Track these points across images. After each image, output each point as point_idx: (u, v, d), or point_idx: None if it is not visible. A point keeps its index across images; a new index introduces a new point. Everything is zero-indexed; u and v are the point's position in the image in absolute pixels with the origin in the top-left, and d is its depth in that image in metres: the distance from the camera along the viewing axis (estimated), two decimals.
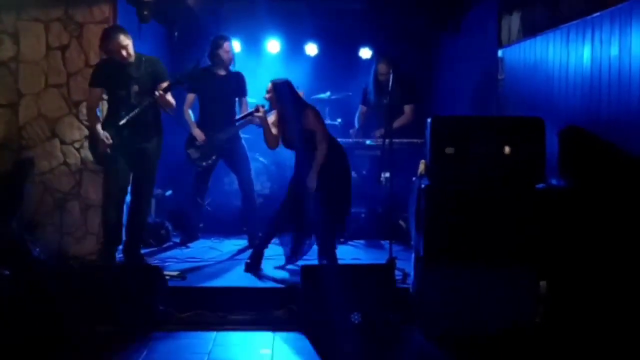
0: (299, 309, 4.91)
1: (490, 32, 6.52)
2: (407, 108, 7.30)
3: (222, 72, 6.75)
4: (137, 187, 5.84)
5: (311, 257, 5.90)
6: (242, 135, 6.89)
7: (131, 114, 5.53)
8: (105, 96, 5.81)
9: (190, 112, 6.81)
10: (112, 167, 5.68)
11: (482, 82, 6.89)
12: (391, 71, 6.63)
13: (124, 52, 5.49)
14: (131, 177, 5.80)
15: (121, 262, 5.88)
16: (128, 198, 5.92)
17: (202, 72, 6.74)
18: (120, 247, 5.91)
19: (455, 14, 7.47)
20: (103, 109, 5.94)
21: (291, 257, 5.91)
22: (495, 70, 6.40)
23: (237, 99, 6.85)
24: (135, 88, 5.59)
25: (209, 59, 6.79)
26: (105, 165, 5.76)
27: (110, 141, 5.53)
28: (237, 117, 6.72)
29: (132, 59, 5.57)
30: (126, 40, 5.51)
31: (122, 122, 5.53)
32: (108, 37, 5.51)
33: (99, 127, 5.58)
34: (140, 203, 5.87)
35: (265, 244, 5.89)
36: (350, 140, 7.45)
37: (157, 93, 5.55)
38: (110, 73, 5.60)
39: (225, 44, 6.71)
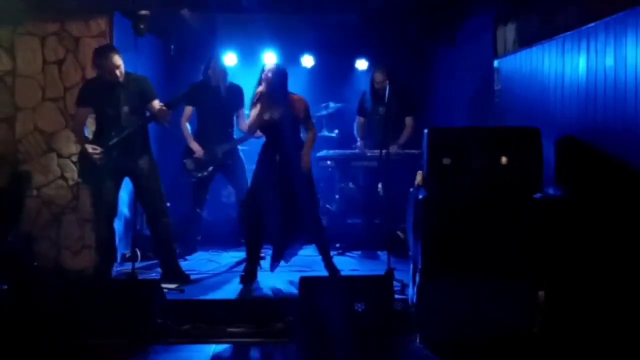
0: (298, 320, 4.89)
1: (486, 43, 6.54)
2: (409, 120, 7.29)
3: (219, 85, 6.77)
4: (147, 207, 5.79)
5: (309, 269, 5.90)
6: (240, 147, 6.91)
7: (122, 135, 5.46)
8: (92, 116, 5.72)
9: (187, 125, 6.82)
10: (98, 186, 5.60)
11: (478, 93, 6.92)
12: (387, 81, 6.65)
13: (117, 72, 5.44)
14: (139, 200, 5.75)
15: (118, 276, 5.88)
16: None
17: (200, 85, 6.77)
18: (124, 261, 5.89)
19: (451, 25, 7.50)
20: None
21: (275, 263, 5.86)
22: (491, 80, 6.42)
23: (234, 111, 6.87)
24: (126, 109, 5.51)
25: (204, 74, 6.82)
26: (92, 185, 5.72)
27: (99, 150, 5.43)
28: (234, 131, 6.83)
29: (122, 78, 5.52)
30: (119, 61, 5.46)
31: (113, 142, 5.45)
32: (103, 55, 5.45)
33: (86, 145, 5.50)
34: (154, 223, 5.81)
35: (257, 253, 5.87)
36: (348, 151, 7.45)
37: (156, 107, 5.53)
38: (99, 92, 5.52)
39: (215, 70, 6.76)
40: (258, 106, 5.62)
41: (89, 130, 5.76)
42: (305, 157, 5.69)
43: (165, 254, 5.85)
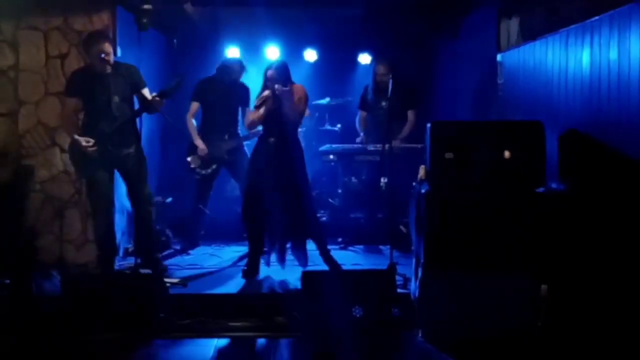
0: (300, 315, 4.90)
1: (490, 37, 6.52)
2: (411, 114, 7.25)
3: (226, 83, 6.78)
4: (133, 195, 5.76)
5: (312, 263, 5.91)
6: (244, 143, 6.92)
7: (116, 124, 5.44)
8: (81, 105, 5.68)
9: (193, 121, 6.83)
10: (93, 177, 5.60)
11: (481, 87, 6.90)
12: (390, 74, 6.64)
13: (106, 58, 5.40)
14: (127, 188, 5.75)
15: (121, 270, 5.88)
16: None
17: (207, 81, 6.80)
18: (127, 255, 5.90)
19: (455, 19, 7.49)
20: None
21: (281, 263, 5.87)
22: (494, 74, 6.40)
23: (240, 108, 6.89)
24: (116, 98, 5.50)
25: (217, 71, 6.83)
26: (87, 177, 5.70)
27: (92, 142, 5.42)
28: (240, 131, 6.92)
29: (111, 67, 5.48)
30: (109, 48, 5.44)
31: (108, 131, 5.43)
32: (94, 41, 5.43)
33: (76, 136, 5.47)
34: (140, 210, 5.78)
35: (259, 248, 5.87)
36: (351, 145, 7.43)
37: (147, 95, 5.52)
38: (88, 82, 5.50)
39: (237, 72, 6.84)
40: (262, 110, 5.63)
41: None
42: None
43: (145, 242, 5.82)
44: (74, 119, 5.66)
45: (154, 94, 5.52)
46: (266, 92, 5.67)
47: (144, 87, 5.63)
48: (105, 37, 5.52)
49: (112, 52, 5.50)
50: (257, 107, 5.71)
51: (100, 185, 5.60)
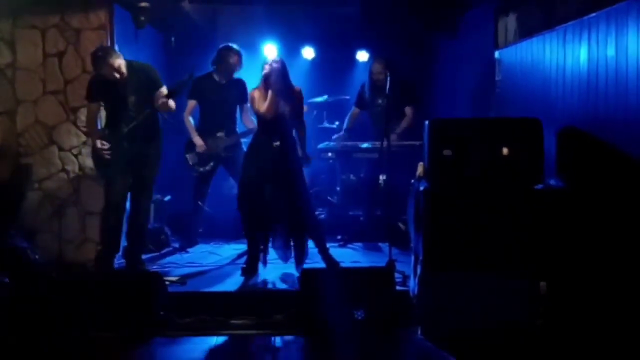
0: (299, 312, 4.90)
1: (487, 34, 6.53)
2: (408, 110, 7.24)
3: (224, 79, 6.77)
4: (138, 192, 5.80)
5: (310, 260, 5.91)
6: (242, 140, 6.91)
7: (132, 124, 5.49)
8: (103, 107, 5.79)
9: (190, 118, 6.83)
10: (112, 174, 5.65)
11: (479, 84, 6.90)
12: (387, 72, 6.63)
13: (116, 74, 5.45)
14: (131, 183, 5.78)
15: (121, 268, 5.88)
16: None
17: (203, 78, 6.77)
18: (120, 253, 5.92)
19: (452, 16, 7.48)
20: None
21: (286, 258, 5.86)
22: (492, 71, 6.41)
23: (238, 105, 6.88)
24: (132, 99, 5.54)
25: (212, 65, 6.80)
26: (107, 173, 5.73)
27: (107, 146, 5.50)
28: (238, 127, 6.90)
29: (124, 76, 5.52)
30: (117, 61, 5.46)
31: (126, 129, 5.49)
32: (98, 61, 5.44)
33: (96, 140, 5.58)
34: (140, 208, 5.83)
35: (258, 245, 5.87)
36: (348, 142, 7.43)
37: (158, 102, 5.54)
38: (106, 87, 5.54)
39: (235, 57, 6.75)
40: (270, 94, 5.60)
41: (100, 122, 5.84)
42: (305, 152, 5.91)
43: (135, 236, 5.85)
44: (96, 124, 5.75)
45: (164, 88, 5.56)
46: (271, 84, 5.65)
47: (160, 86, 5.64)
48: (111, 53, 5.52)
49: (121, 62, 5.50)
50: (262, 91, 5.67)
51: (117, 183, 5.66)
